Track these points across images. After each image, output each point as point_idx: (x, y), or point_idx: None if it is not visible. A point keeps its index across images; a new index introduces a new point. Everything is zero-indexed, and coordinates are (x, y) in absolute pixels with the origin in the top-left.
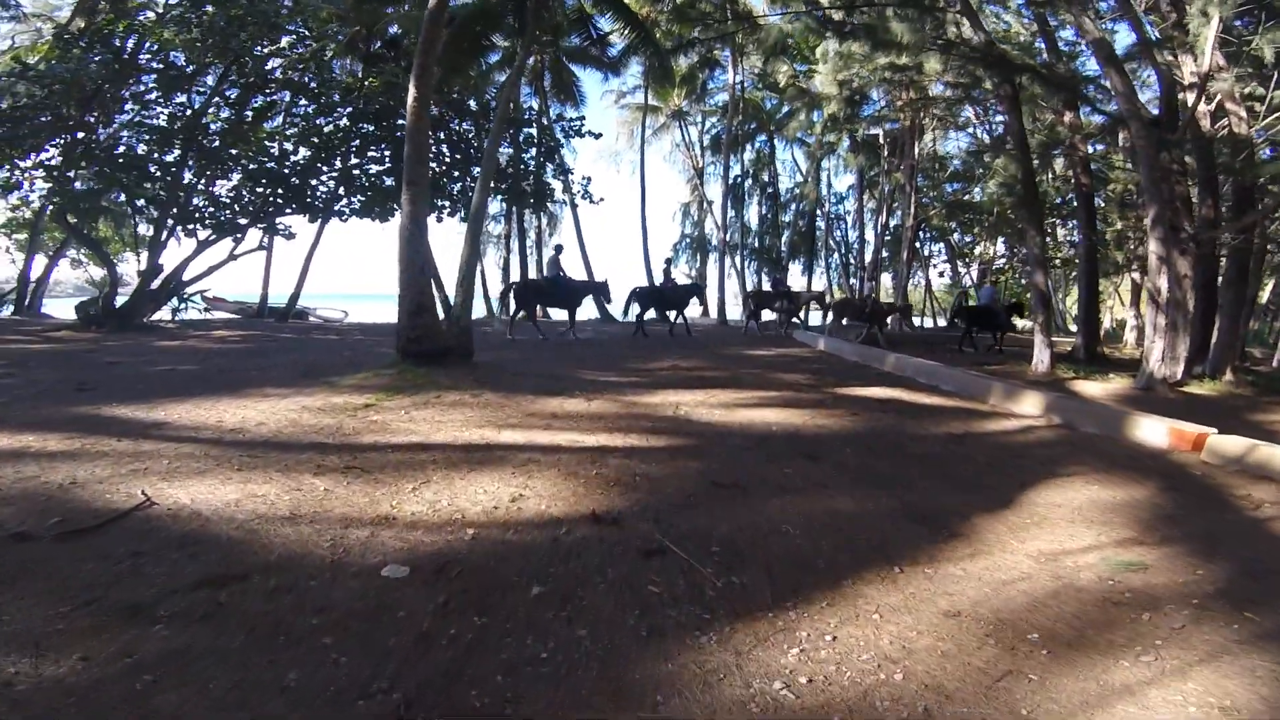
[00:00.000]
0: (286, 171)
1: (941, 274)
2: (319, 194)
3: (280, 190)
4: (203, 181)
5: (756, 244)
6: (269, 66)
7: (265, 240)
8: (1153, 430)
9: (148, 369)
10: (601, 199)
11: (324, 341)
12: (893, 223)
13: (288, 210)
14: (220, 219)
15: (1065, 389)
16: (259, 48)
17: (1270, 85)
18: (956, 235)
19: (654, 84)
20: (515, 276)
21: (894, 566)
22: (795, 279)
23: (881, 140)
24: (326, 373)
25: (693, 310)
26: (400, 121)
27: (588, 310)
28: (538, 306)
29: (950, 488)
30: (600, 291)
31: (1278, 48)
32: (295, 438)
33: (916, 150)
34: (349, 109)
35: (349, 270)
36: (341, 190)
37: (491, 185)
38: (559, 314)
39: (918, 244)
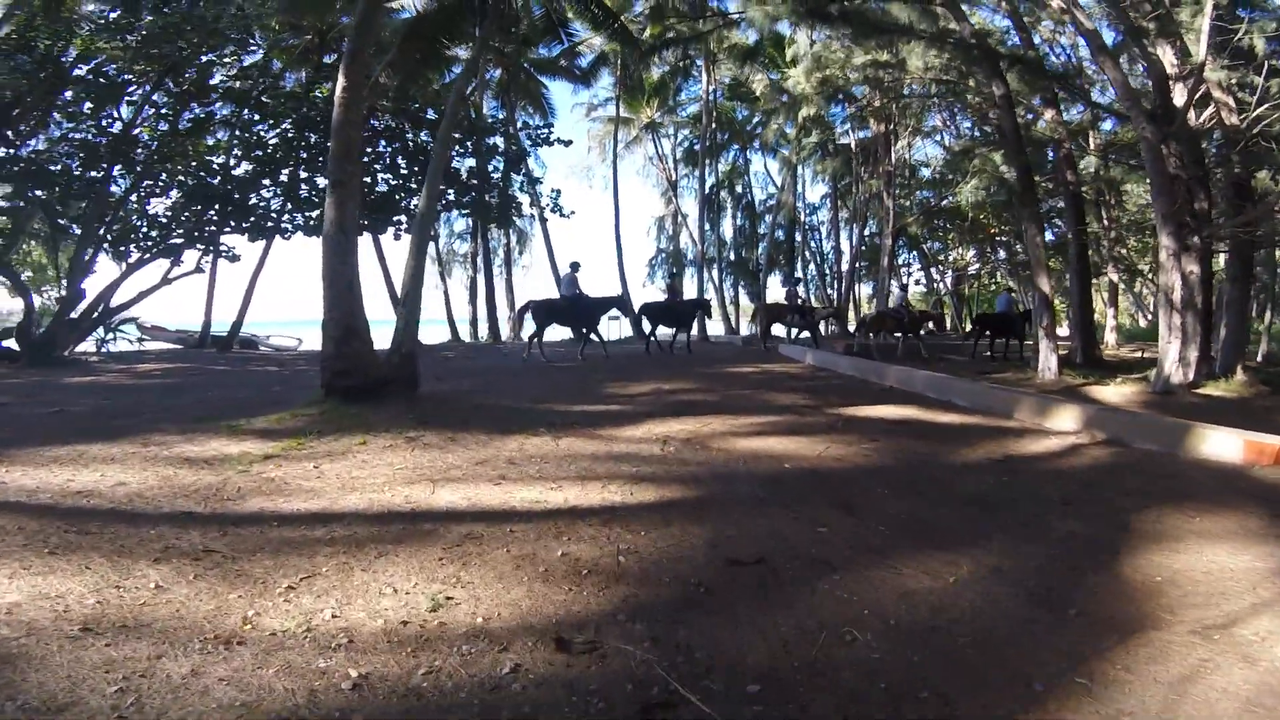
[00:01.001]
0: (230, 187)
1: (918, 282)
2: (259, 210)
3: (219, 207)
4: (135, 199)
5: (733, 256)
6: (212, 79)
7: (205, 262)
8: (1223, 444)
9: (32, 410)
10: (572, 212)
11: (259, 374)
12: (868, 231)
13: (227, 228)
14: (154, 239)
15: (1085, 397)
16: (201, 57)
17: (1263, 75)
18: (930, 244)
19: (625, 95)
20: (481, 297)
21: (1031, 683)
22: (775, 291)
23: (854, 149)
24: (239, 413)
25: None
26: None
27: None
28: (550, 326)
29: (1038, 542)
30: (620, 307)
31: (1268, 37)
32: (156, 503)
33: (893, 156)
34: (293, 118)
35: (308, 295)
36: (288, 206)
37: (450, 195)
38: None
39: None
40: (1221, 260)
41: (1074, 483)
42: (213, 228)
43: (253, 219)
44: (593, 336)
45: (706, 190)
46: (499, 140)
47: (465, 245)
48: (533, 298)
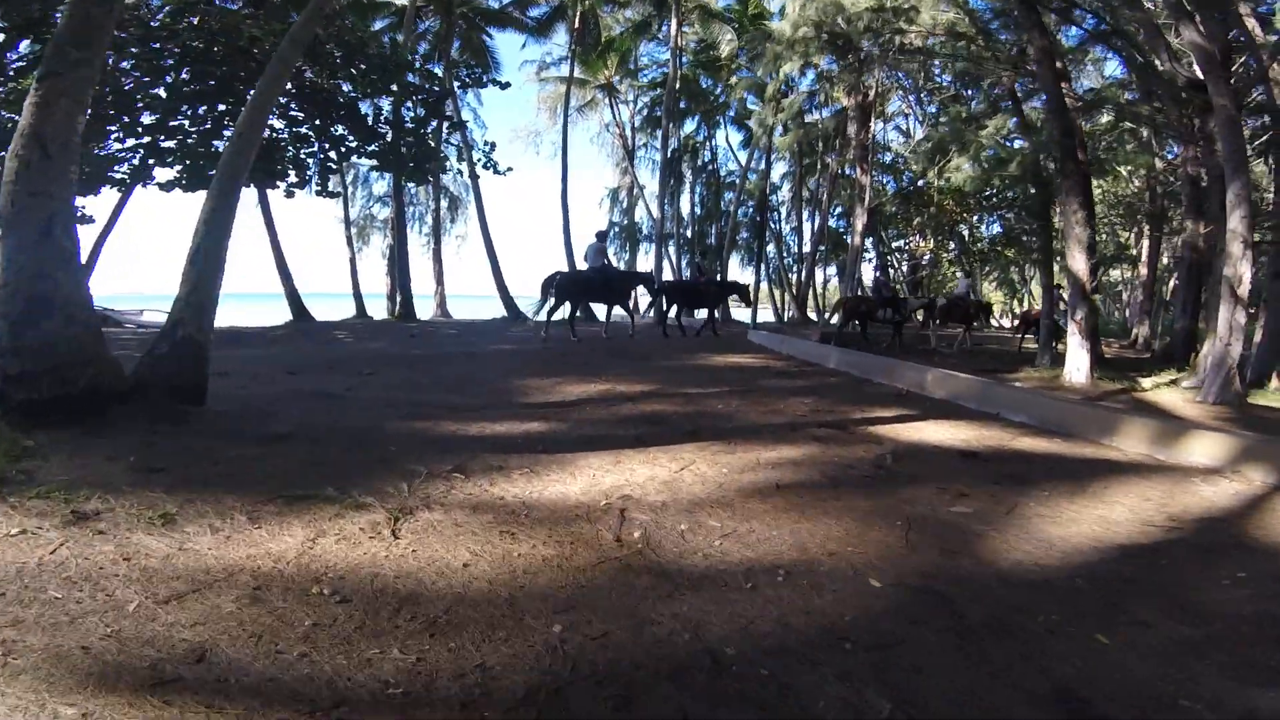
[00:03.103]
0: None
1: (878, 269)
2: (103, 160)
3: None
4: None
5: (691, 233)
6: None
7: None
8: None
9: None
10: (509, 169)
11: None
12: (835, 213)
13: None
14: None
15: (1156, 409)
16: None
17: None
18: (888, 230)
19: (582, 54)
20: (396, 270)
21: None
22: (733, 272)
23: (820, 124)
24: None
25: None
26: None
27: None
28: (572, 302)
29: None
30: (645, 283)
31: None
32: None
33: (870, 130)
34: (153, 49)
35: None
36: (150, 160)
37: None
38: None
39: (846, 237)
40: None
41: None
42: None
43: (86, 170)
44: (621, 313)
45: (669, 154)
46: (417, 79)
47: (387, 210)
48: (559, 270)
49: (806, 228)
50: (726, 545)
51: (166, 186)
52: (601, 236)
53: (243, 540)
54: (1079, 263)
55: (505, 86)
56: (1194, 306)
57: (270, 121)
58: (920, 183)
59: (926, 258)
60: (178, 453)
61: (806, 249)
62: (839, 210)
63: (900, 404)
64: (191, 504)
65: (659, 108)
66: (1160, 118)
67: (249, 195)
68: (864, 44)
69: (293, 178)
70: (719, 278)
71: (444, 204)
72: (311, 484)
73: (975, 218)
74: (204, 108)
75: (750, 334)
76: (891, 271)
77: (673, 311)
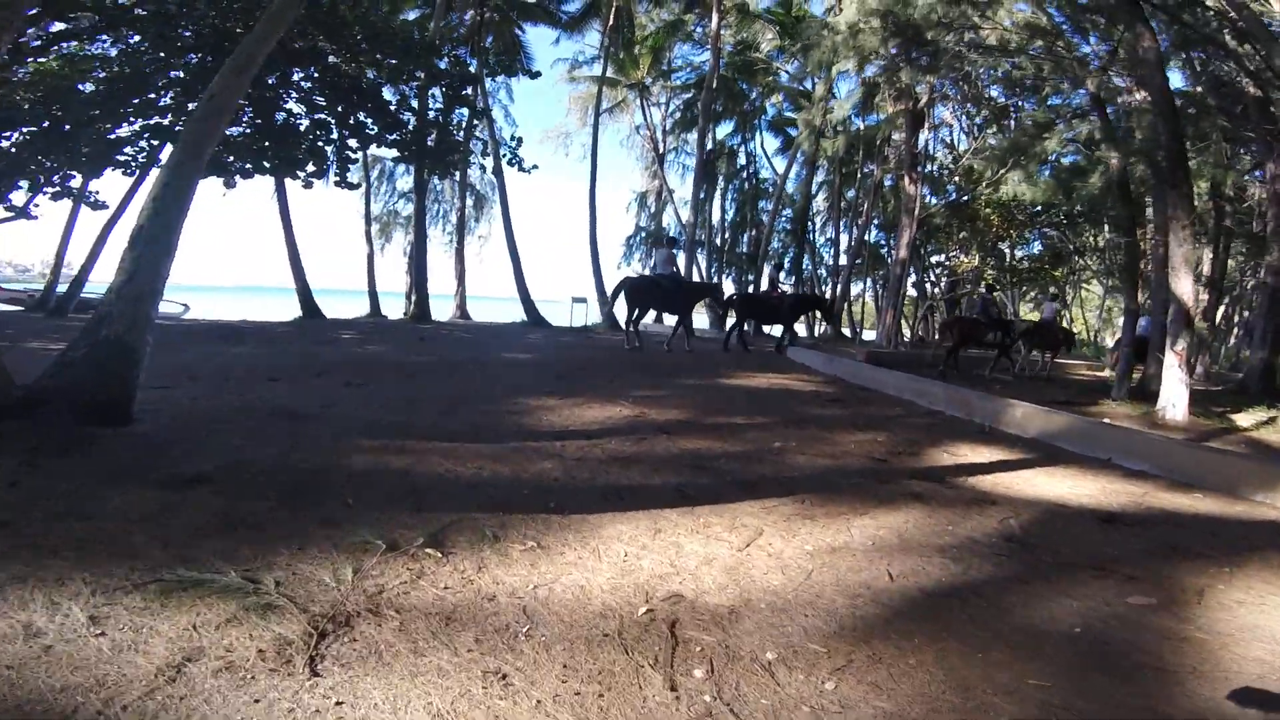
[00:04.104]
0: (60, 114)
1: (915, 285)
2: (110, 143)
3: (50, 142)
4: None
5: (720, 240)
6: None
7: (36, 206)
8: None
9: None
10: (534, 167)
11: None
12: (874, 224)
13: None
14: None
15: (1270, 449)
16: None
17: None
18: (926, 245)
19: (615, 52)
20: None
21: None
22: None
23: (861, 131)
24: None
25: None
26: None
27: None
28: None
29: None
30: (714, 295)
31: None
32: None
33: (921, 137)
34: (162, 27)
35: (243, 255)
36: (160, 144)
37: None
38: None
39: (883, 250)
40: None
41: None
42: (52, 163)
43: (86, 151)
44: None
45: (705, 156)
46: (446, 65)
47: (411, 206)
48: (628, 275)
49: (843, 240)
50: (847, 692)
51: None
52: (672, 243)
53: (63, 658)
54: (1185, 286)
55: (536, 75)
56: (1275, 337)
57: (288, 106)
58: (965, 197)
59: (968, 275)
60: (41, 498)
61: (843, 262)
62: (877, 222)
63: (988, 444)
64: (18, 584)
65: (694, 109)
66: (1247, 130)
67: (264, 185)
68: (933, 37)
69: (311, 167)
70: (808, 293)
71: (469, 202)
72: (209, 560)
73: (1018, 235)
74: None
75: (790, 352)
76: (934, 289)
77: (728, 324)
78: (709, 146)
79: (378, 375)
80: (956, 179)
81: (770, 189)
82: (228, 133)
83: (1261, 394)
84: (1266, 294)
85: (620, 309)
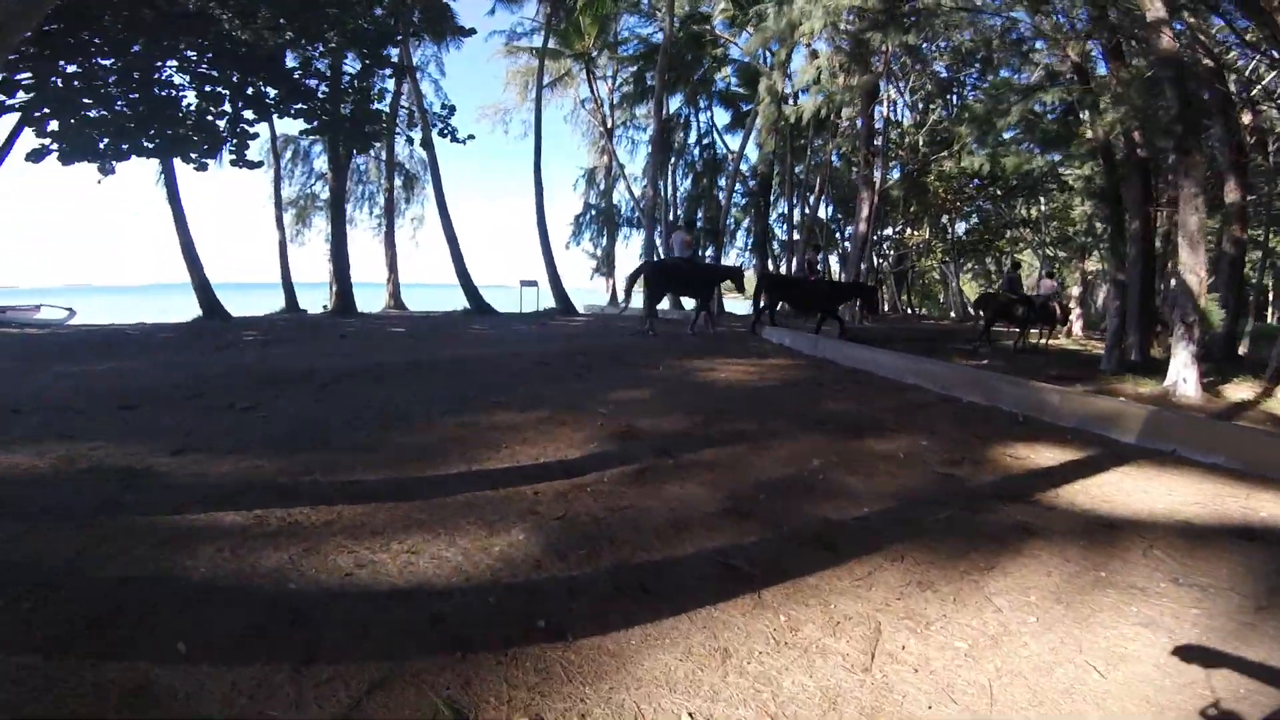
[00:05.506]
0: None
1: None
2: None
3: None
4: None
5: (674, 216)
6: None
7: None
8: None
9: None
10: (470, 137)
11: None
12: (824, 200)
13: None
14: None
15: None
16: None
17: None
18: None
19: (557, 25)
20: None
21: None
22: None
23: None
24: None
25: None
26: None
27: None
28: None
29: None
30: (735, 278)
31: None
32: None
33: (883, 107)
34: None
35: (146, 251)
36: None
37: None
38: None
39: (833, 227)
40: None
41: None
42: None
43: None
44: (702, 309)
45: (664, 123)
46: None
47: (326, 188)
48: (651, 258)
49: (795, 215)
50: None
51: (36, 156)
52: (688, 227)
53: None
54: (1191, 258)
55: (470, 33)
56: (1237, 305)
57: (168, 78)
58: (917, 170)
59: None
60: None
61: (797, 237)
62: (828, 199)
63: (1039, 438)
64: None
65: (644, 81)
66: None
67: (148, 170)
68: None
69: (202, 146)
70: (855, 281)
71: (398, 181)
72: None
73: (962, 206)
74: (83, 61)
75: (766, 332)
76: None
77: (764, 304)
78: (664, 116)
79: (278, 390)
80: (901, 154)
81: (727, 164)
82: (97, 112)
83: (1225, 360)
84: (1227, 263)
85: (638, 293)
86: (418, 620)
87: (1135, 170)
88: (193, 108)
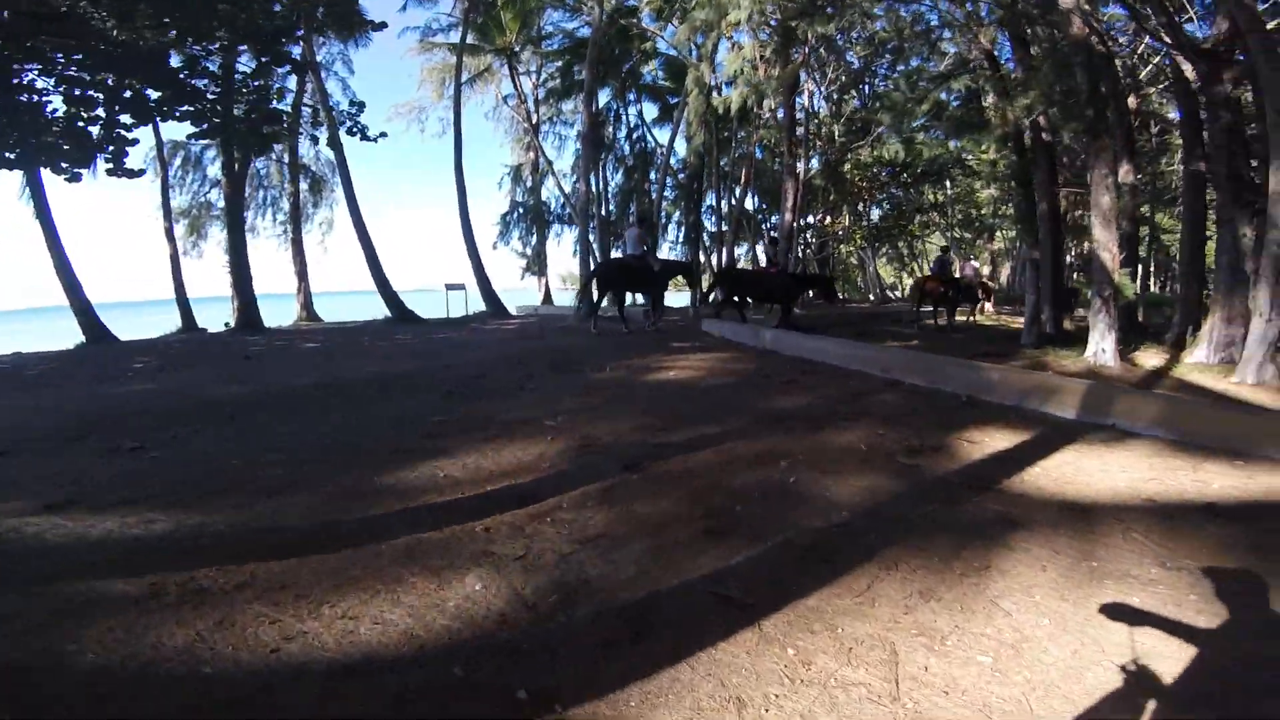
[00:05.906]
0: None
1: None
2: None
3: None
4: None
5: (605, 211)
6: None
7: None
8: None
9: None
10: (382, 134)
11: None
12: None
13: None
14: None
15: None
16: None
17: None
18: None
19: (475, 20)
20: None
21: None
22: (663, 251)
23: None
24: None
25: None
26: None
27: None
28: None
29: None
30: (685, 273)
31: None
32: None
33: (806, 97)
34: None
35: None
36: None
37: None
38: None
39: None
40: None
41: None
42: None
43: None
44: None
45: (594, 116)
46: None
47: (220, 193)
48: (608, 258)
49: (723, 206)
50: None
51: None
52: (641, 223)
53: None
54: (1104, 235)
55: (381, 27)
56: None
57: (30, 82)
58: (835, 159)
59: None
60: None
61: (726, 228)
62: (753, 190)
63: (990, 421)
64: None
65: (570, 76)
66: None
67: (10, 181)
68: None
69: (73, 155)
70: (799, 269)
71: (304, 185)
72: None
73: (876, 193)
74: None
75: (705, 324)
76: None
77: (723, 297)
78: (595, 109)
79: (174, 426)
80: (820, 143)
81: (657, 157)
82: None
83: (1129, 329)
84: (1124, 238)
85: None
86: (374, 704)
87: (1042, 154)
88: (60, 114)
